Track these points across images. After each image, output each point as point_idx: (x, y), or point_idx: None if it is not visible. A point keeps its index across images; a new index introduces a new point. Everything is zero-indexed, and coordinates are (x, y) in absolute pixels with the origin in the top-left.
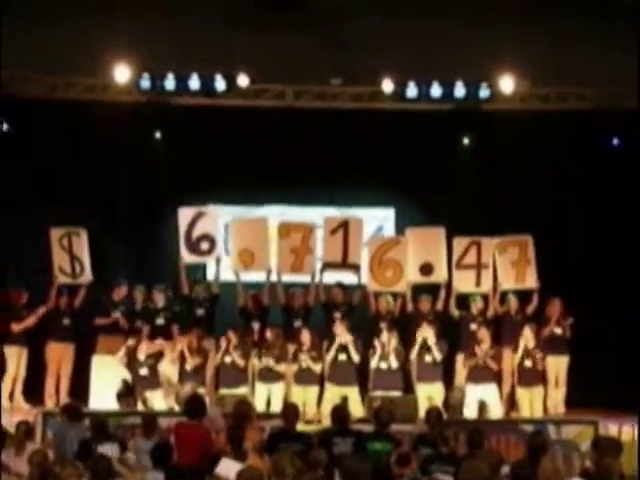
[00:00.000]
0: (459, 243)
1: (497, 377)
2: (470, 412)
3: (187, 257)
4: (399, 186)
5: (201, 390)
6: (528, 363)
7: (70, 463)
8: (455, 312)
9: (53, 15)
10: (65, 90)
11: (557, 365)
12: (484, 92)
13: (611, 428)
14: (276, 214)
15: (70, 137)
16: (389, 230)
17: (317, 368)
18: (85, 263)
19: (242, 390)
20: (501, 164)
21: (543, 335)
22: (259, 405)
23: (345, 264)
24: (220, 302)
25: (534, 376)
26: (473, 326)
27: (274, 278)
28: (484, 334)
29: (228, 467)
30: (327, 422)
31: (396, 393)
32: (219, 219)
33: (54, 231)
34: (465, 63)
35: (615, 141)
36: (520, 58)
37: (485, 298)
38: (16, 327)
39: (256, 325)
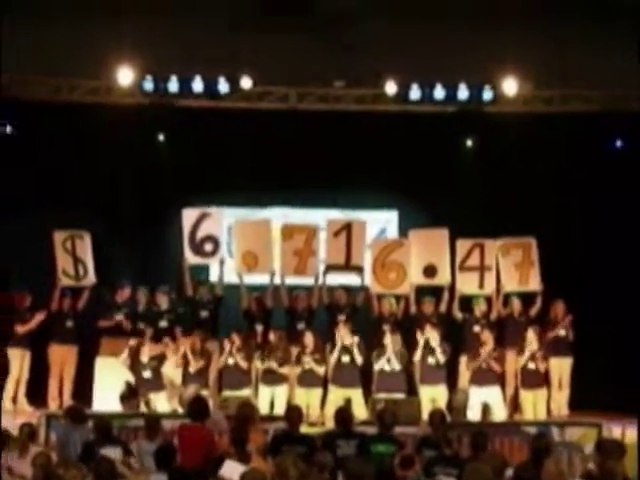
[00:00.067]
0: (462, 245)
1: (500, 379)
2: (473, 414)
3: (191, 258)
4: (402, 188)
5: (204, 392)
6: (531, 365)
7: (73, 465)
8: (458, 314)
9: (56, 17)
10: (68, 92)
11: (560, 367)
12: (487, 94)
13: (614, 430)
14: (279, 216)
15: (73, 139)
16: (392, 232)
17: (320, 370)
18: (88, 266)
19: (245, 392)
20: (504, 166)
21: (547, 337)
22: (262, 407)
23: (348, 266)
24: (224, 304)
25: (537, 378)
26: (476, 328)
27: (277, 280)
28: (487, 336)
29: (232, 469)
30: (330, 424)
31: (399, 395)
32: (223, 220)
33: (57, 234)
34: (468, 65)
35: (618, 143)
36: (523, 60)
37: (488, 300)
38: (19, 329)
39: (259, 327)
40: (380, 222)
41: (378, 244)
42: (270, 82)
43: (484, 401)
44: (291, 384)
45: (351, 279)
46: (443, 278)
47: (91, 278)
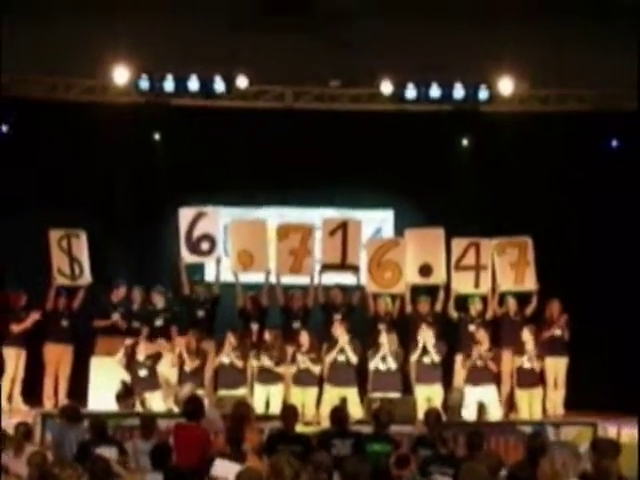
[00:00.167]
0: (458, 244)
1: (496, 378)
2: (469, 413)
3: (187, 257)
4: (398, 187)
5: (200, 391)
6: (527, 365)
7: (69, 465)
8: (454, 313)
9: (52, 16)
10: (64, 91)
11: (556, 366)
12: (483, 94)
13: (610, 430)
14: (275, 215)
15: (69, 138)
16: (388, 231)
17: (316, 369)
18: (84, 265)
19: (241, 391)
20: (500, 166)
21: (543, 337)
22: (258, 406)
23: (344, 265)
24: (219, 303)
25: (533, 378)
26: (472, 327)
27: (273, 279)
28: (483, 335)
29: (226, 468)
30: (326, 423)
31: (395, 394)
32: (219, 219)
33: (53, 232)
34: (464, 65)
35: (614, 143)
36: (519, 60)
37: (484, 299)
38: (15, 328)
39: (255, 326)
40: (376, 221)
41: (374, 243)
42: (266, 81)
43: (479, 400)
44: (287, 383)
45: (347, 278)
46: (439, 277)
47: (87, 277)
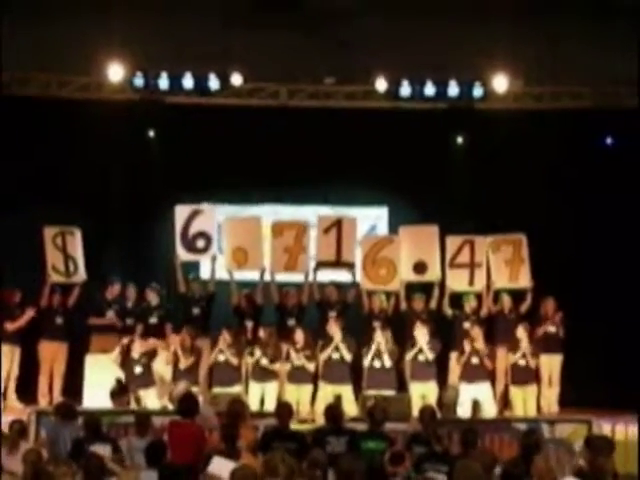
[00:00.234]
0: (452, 242)
1: (491, 376)
2: (464, 411)
3: (183, 255)
4: (393, 185)
5: (194, 389)
6: (522, 362)
7: (63, 462)
8: (448, 311)
9: (49, 14)
10: (59, 89)
11: (550, 364)
12: (478, 91)
13: (604, 427)
14: (270, 213)
15: (63, 135)
16: (382, 229)
17: (311, 367)
18: (79, 262)
19: (236, 389)
20: (494, 163)
21: (537, 334)
22: (253, 404)
23: (339, 263)
24: (214, 301)
25: (527, 375)
26: (466, 325)
27: (268, 277)
28: (477, 333)
29: (221, 466)
30: (321, 421)
31: (390, 392)
32: (215, 217)
33: (48, 230)
34: (459, 62)
35: (609, 140)
36: (513, 57)
37: (478, 297)
38: (9, 326)
39: (249, 324)
40: (370, 219)
41: (368, 241)
42: (261, 79)
43: (474, 398)
44: (281, 380)
45: (342, 276)
46: (433, 275)
47: (81, 274)
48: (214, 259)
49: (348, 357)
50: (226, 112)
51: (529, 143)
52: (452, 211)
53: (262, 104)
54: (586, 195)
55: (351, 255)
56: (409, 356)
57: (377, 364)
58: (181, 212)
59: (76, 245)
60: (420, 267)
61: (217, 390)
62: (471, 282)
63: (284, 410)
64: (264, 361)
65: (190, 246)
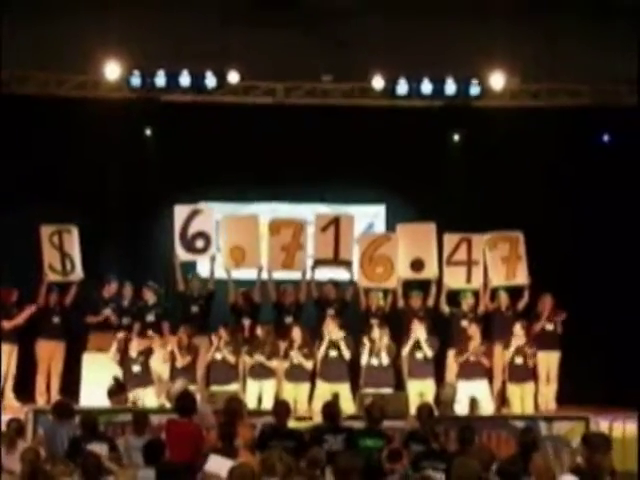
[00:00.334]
0: (450, 239)
1: (488, 373)
2: (461, 408)
3: (182, 255)
4: (390, 183)
5: (192, 387)
6: (519, 359)
7: (61, 461)
8: (446, 308)
9: (46, 13)
10: (56, 87)
11: (548, 361)
12: (474, 89)
13: (602, 424)
14: (267, 211)
15: (61, 134)
16: (380, 227)
17: (308, 365)
18: (76, 260)
19: (233, 387)
20: (491, 160)
21: (534, 331)
22: (250, 402)
23: (337, 261)
24: (213, 299)
25: (525, 372)
26: (464, 322)
27: (265, 275)
28: (475, 330)
29: (218, 464)
30: (318, 419)
31: (387, 390)
32: (214, 217)
33: (44, 228)
34: (455, 60)
35: (606, 138)
36: (510, 55)
37: (476, 294)
38: (6, 325)
39: (247, 322)
40: (368, 216)
41: (366, 238)
42: (257, 76)
43: (472, 395)
44: (279, 379)
45: (340, 274)
46: (430, 272)
47: (78, 273)
48: (213, 259)
49: (346, 355)
50: (223, 110)
51: (526, 141)
52: (449, 209)
53: (259, 102)
54: (584, 193)
55: (349, 253)
56: (406, 353)
57: (374, 362)
58: (180, 212)
59: (73, 243)
60: (417, 265)
61: (215, 388)
62: (468, 279)
63: (282, 408)
64: (262, 359)
65: (189, 246)
